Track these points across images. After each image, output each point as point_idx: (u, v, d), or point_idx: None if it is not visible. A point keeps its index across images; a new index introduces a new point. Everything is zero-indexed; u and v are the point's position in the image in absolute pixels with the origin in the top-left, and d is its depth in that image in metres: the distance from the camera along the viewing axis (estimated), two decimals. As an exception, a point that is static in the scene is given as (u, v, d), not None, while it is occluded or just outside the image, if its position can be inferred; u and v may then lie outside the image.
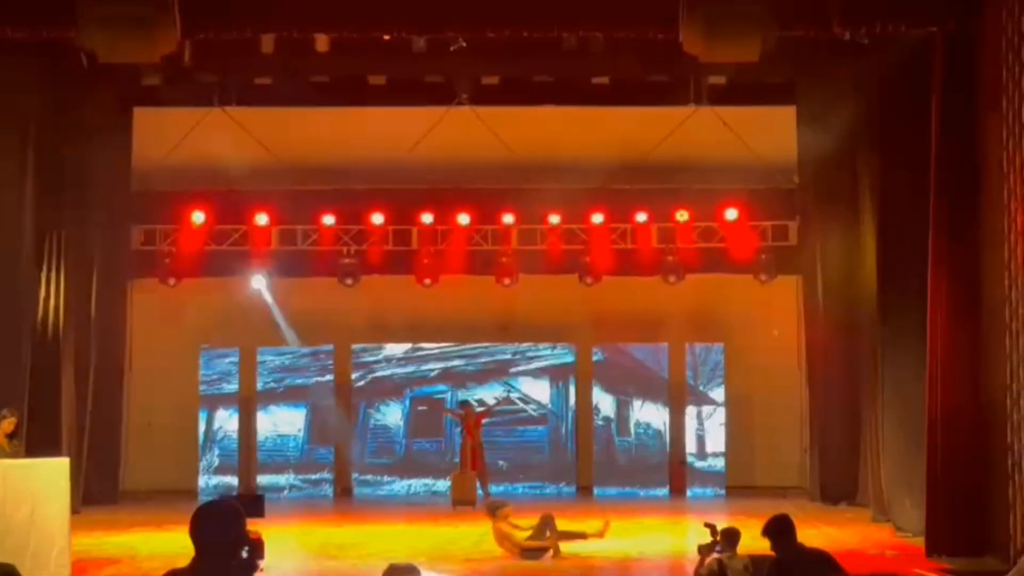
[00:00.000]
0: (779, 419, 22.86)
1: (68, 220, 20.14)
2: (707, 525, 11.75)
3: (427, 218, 22.14)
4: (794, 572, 8.38)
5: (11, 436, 14.95)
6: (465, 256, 22.39)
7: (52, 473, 14.41)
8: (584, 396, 23.03)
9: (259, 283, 22.30)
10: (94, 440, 20.85)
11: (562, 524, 15.73)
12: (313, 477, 22.74)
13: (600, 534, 15.65)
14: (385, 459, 22.86)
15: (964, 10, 14.92)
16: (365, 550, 16.26)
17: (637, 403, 22.95)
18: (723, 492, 22.36)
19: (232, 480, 22.45)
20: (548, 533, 15.46)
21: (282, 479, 22.60)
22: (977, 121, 14.93)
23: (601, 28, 16.65)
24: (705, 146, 21.80)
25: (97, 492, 20.66)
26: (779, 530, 8.78)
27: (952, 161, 15.04)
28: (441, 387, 23.09)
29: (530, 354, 23.16)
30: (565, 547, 15.39)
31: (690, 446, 22.76)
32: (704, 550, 11.51)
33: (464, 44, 18.09)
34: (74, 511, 15.58)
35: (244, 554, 7.84)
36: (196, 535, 5.02)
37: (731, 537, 11.60)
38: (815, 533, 17.70)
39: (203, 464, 22.58)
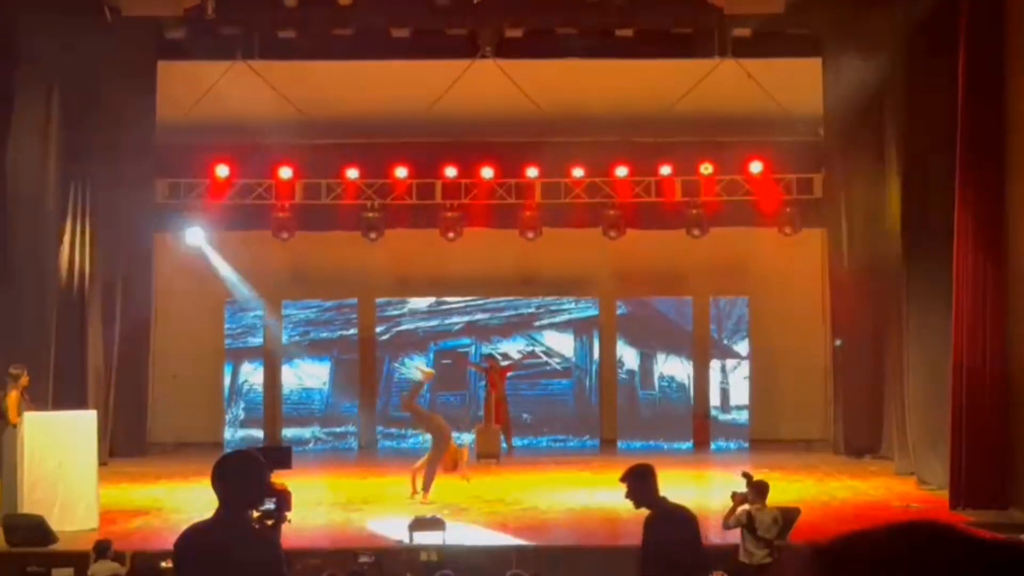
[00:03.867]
0: (803, 372, 22.83)
1: (93, 173, 20.24)
2: (745, 474, 11.83)
3: (451, 172, 22.08)
4: (658, 527, 8.34)
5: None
6: (489, 210, 22.35)
7: (80, 426, 14.56)
8: (608, 349, 23.03)
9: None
10: (121, 393, 20.99)
11: None
12: (338, 430, 22.84)
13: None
14: (409, 412, 22.87)
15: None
16: (390, 502, 16.35)
17: (661, 356, 22.94)
18: (747, 445, 22.36)
19: (258, 433, 22.55)
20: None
21: (307, 432, 22.70)
22: (1004, 71, 14.83)
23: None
24: (730, 98, 21.67)
25: (124, 444, 20.82)
26: (641, 475, 8.70)
27: (979, 112, 14.95)
28: (465, 340, 23.12)
29: (554, 308, 23.15)
30: None
31: (714, 399, 22.76)
32: (738, 497, 11.58)
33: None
34: (101, 463, 15.74)
35: (271, 505, 7.91)
36: (217, 485, 5.04)
37: (761, 489, 11.65)
38: (839, 486, 17.76)
39: (229, 417, 22.69)
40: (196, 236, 22.23)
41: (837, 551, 1.61)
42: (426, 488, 16.10)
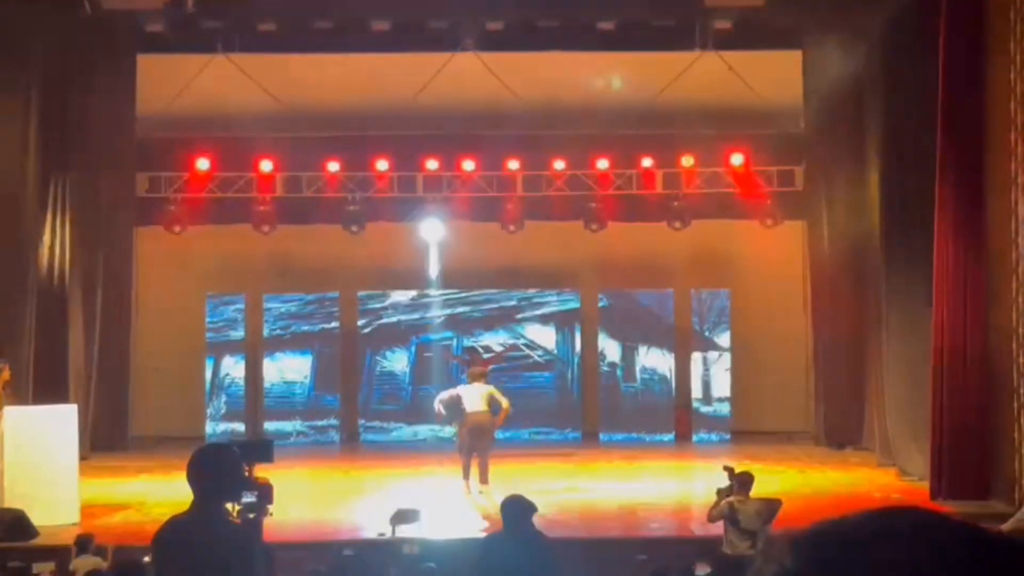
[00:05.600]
0: (784, 364, 22.86)
1: (73, 166, 20.17)
2: (725, 468, 11.87)
3: (432, 165, 22.08)
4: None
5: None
6: (470, 203, 22.35)
7: (60, 420, 14.52)
8: (590, 342, 23.03)
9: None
10: (101, 387, 20.93)
11: None
12: (320, 423, 22.80)
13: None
14: (391, 405, 22.91)
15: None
16: (372, 496, 16.34)
17: (643, 349, 22.96)
18: (728, 437, 22.40)
19: (239, 427, 22.51)
20: None
21: (289, 426, 22.65)
22: (984, 64, 14.87)
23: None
24: (711, 91, 21.69)
25: (105, 438, 20.74)
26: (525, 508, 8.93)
27: (959, 105, 14.99)
28: (447, 334, 23.11)
29: (536, 300, 23.15)
30: None
31: (696, 391, 22.79)
32: (723, 492, 11.62)
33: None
34: (82, 457, 15.69)
35: (253, 498, 7.90)
36: (193, 479, 5.03)
37: (744, 482, 11.69)
38: (821, 477, 17.82)
39: (210, 411, 22.63)
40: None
41: (814, 538, 1.61)
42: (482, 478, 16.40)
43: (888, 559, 1.53)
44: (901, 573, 1.52)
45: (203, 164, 21.91)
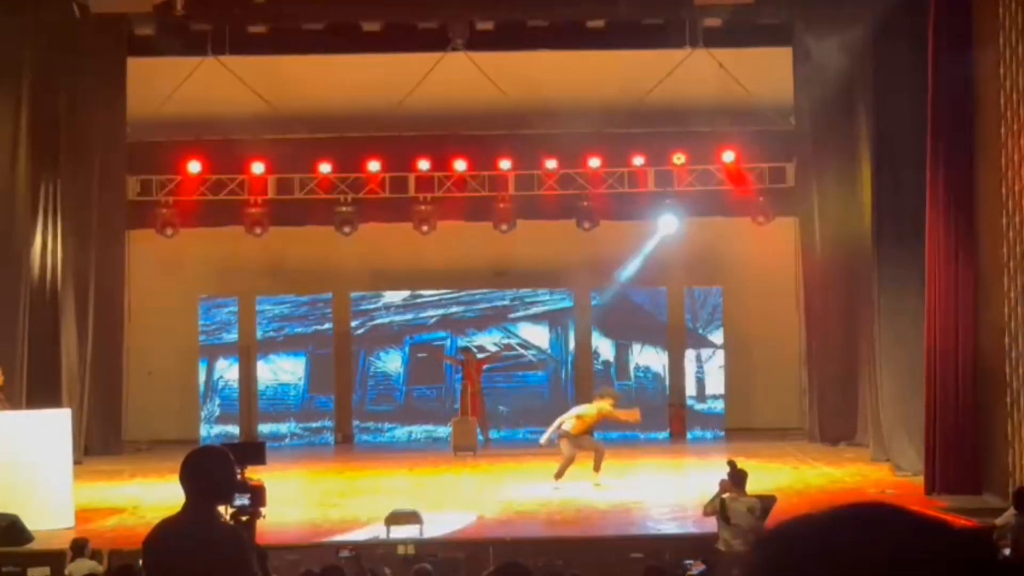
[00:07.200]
0: (778, 361, 22.89)
1: (64, 169, 20.13)
2: (729, 462, 11.97)
3: (424, 165, 22.08)
4: None
5: None
6: (462, 203, 22.34)
7: (54, 424, 14.50)
8: (583, 341, 23.03)
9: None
10: (95, 391, 20.89)
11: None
12: (314, 425, 22.78)
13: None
14: (385, 406, 22.90)
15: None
16: (367, 497, 16.34)
17: (636, 347, 22.96)
18: (723, 434, 22.41)
19: (233, 429, 22.48)
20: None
21: (283, 427, 22.64)
22: (973, 58, 14.89)
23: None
24: (701, 89, 21.70)
25: (99, 442, 20.73)
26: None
27: (949, 99, 15.01)
28: (440, 334, 23.10)
29: (528, 300, 23.15)
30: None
31: (689, 389, 22.79)
32: (725, 484, 11.69)
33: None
34: (76, 461, 15.67)
35: (246, 500, 7.90)
36: (185, 481, 5.03)
37: (737, 479, 11.73)
38: (815, 473, 17.84)
39: (204, 413, 22.60)
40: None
41: (778, 536, 1.62)
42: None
43: (849, 556, 1.54)
44: (861, 569, 1.53)
45: (194, 167, 21.89)
